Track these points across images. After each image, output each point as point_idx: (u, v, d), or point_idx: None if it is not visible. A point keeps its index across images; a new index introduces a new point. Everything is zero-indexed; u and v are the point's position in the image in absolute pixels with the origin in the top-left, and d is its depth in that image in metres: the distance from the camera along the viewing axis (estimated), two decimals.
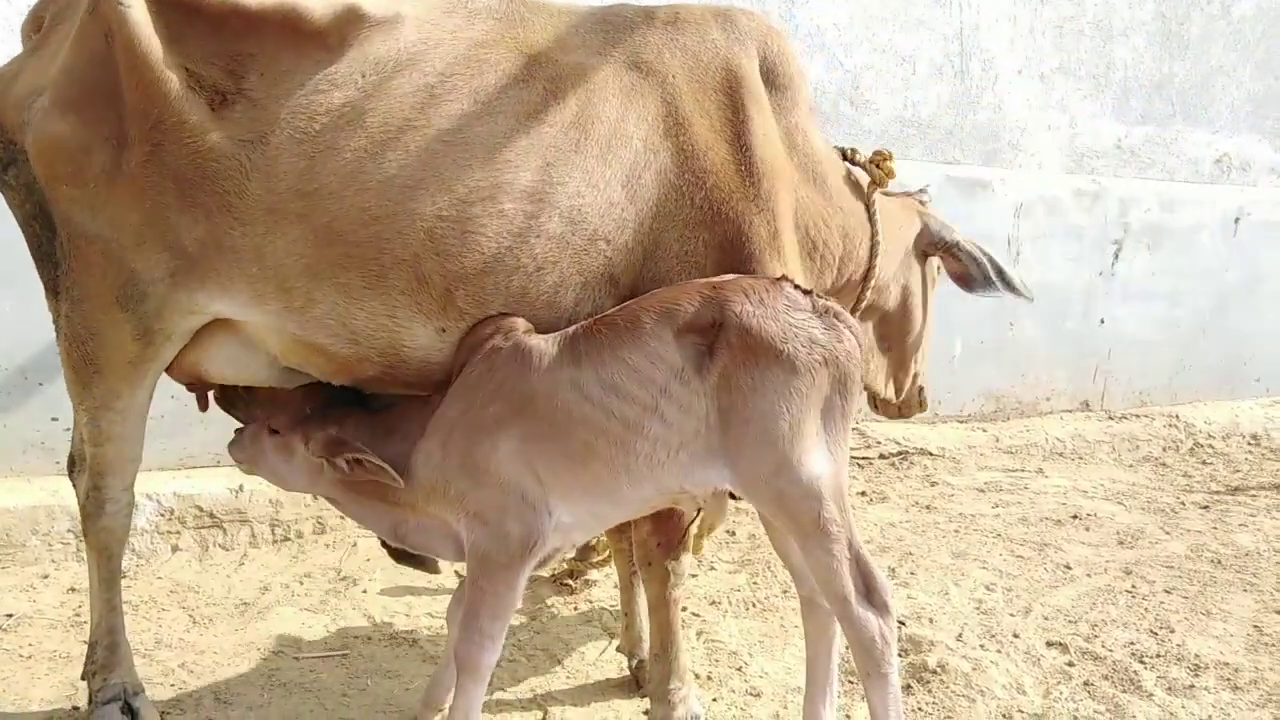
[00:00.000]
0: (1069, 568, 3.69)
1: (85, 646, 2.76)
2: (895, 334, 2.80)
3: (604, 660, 2.88)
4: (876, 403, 3.00)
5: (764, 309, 1.94)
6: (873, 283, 2.55)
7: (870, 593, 1.99)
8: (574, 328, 2.04)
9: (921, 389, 2.99)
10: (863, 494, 4.45)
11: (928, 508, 4.33)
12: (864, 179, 2.57)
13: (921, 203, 2.88)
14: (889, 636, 2.00)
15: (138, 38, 1.92)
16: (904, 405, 2.99)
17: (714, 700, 2.69)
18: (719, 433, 1.95)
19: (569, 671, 2.81)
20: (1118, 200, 5.59)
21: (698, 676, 2.80)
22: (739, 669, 2.86)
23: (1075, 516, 4.28)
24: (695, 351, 1.94)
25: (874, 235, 2.53)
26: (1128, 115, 5.65)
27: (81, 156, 1.98)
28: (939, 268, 2.89)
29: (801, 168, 2.37)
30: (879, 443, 4.83)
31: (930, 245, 2.76)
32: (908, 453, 4.86)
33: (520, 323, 2.08)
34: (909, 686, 2.79)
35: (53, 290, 2.18)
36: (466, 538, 2.05)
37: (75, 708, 2.48)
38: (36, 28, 2.18)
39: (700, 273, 2.16)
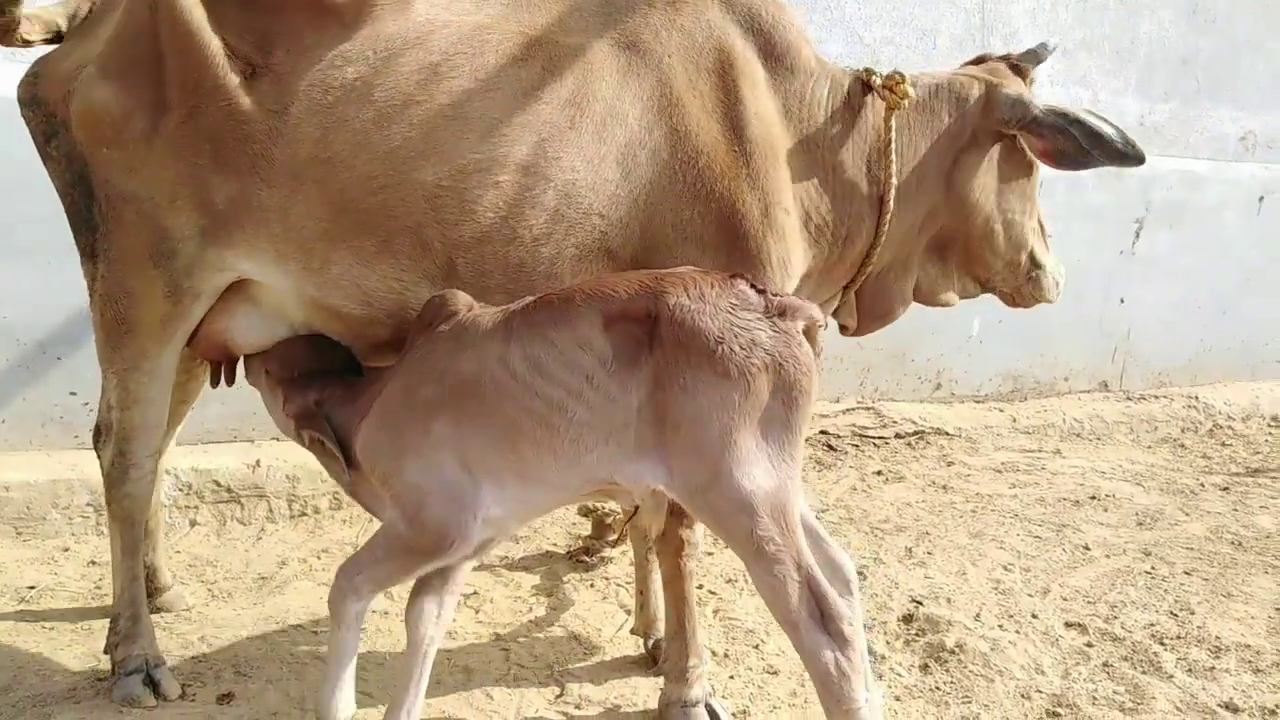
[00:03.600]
0: (1087, 548, 3.67)
1: (106, 619, 2.79)
2: (950, 236, 2.65)
3: (620, 637, 2.89)
4: (999, 294, 2.81)
5: (703, 304, 1.81)
6: (883, 236, 2.48)
7: (826, 619, 1.80)
8: (515, 304, 2.00)
9: (1035, 277, 2.75)
10: (879, 473, 4.44)
11: (944, 488, 4.31)
12: (881, 107, 2.49)
13: (1015, 69, 2.64)
14: (848, 670, 1.79)
15: (181, 9, 2.07)
16: (1016, 294, 2.79)
17: (730, 678, 2.69)
18: (653, 430, 1.83)
19: (586, 648, 2.81)
20: (1139, 178, 5.49)
21: (714, 654, 2.80)
22: (755, 647, 2.85)
23: (1094, 497, 4.26)
24: (629, 342, 1.83)
25: (888, 175, 2.44)
26: (1151, 91, 5.55)
27: (122, 121, 2.13)
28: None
29: (800, 137, 2.38)
30: (895, 422, 4.80)
31: (1002, 125, 2.52)
32: (924, 432, 4.83)
33: (463, 300, 2.06)
34: (926, 666, 2.78)
35: (89, 254, 2.28)
36: (388, 516, 2.05)
37: (99, 679, 2.50)
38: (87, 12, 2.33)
39: (698, 244, 2.21)
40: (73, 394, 3.52)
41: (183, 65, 2.08)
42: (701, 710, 2.38)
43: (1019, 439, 5.00)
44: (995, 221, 2.64)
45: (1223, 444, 5.26)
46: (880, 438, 4.74)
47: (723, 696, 2.59)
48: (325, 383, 2.20)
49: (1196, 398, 5.58)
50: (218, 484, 3.52)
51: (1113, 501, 4.22)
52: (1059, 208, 5.29)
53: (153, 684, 2.40)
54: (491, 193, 2.09)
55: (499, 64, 2.12)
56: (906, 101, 2.45)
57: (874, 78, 2.49)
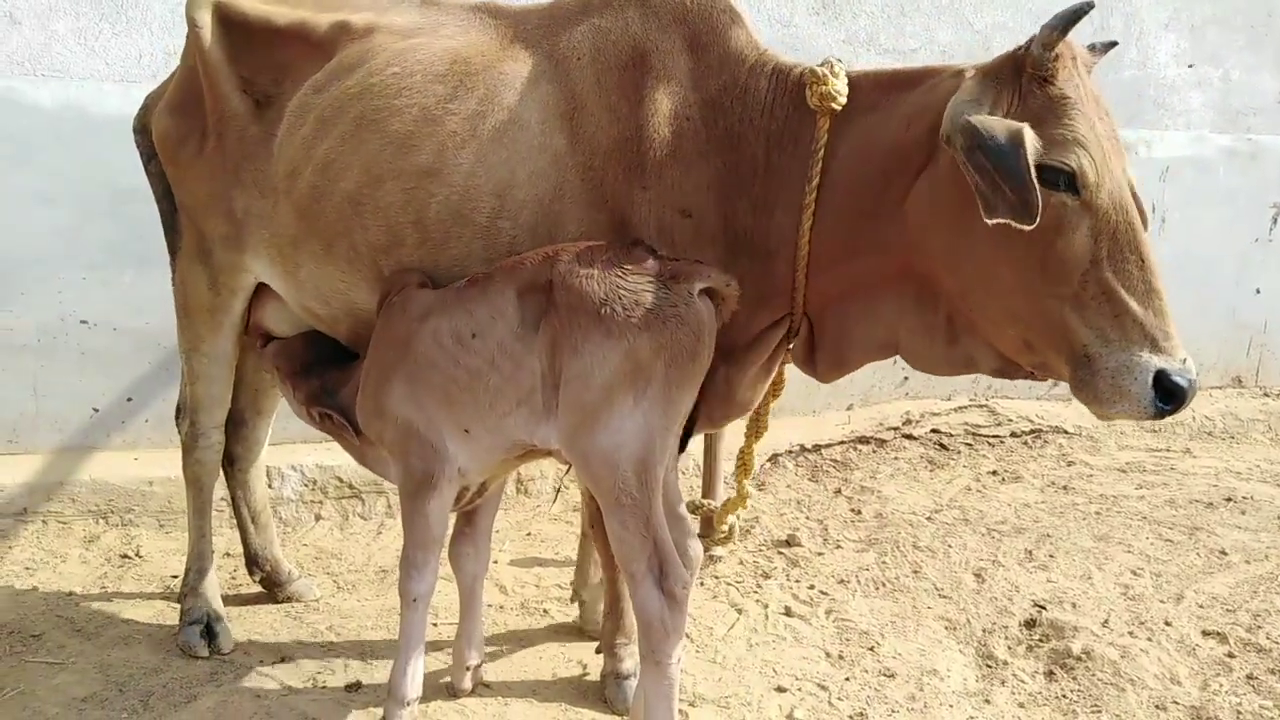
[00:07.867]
0: (1225, 553, 3.46)
1: (242, 606, 2.95)
2: (927, 281, 2.03)
3: (733, 636, 2.88)
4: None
5: (592, 269, 1.94)
6: (802, 258, 2.08)
7: (663, 577, 1.98)
8: (460, 281, 2.15)
9: (1075, 375, 1.84)
10: (994, 473, 4.29)
11: (1065, 488, 4.13)
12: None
13: (1015, 63, 1.98)
14: (671, 626, 1.97)
15: (208, 52, 2.44)
16: (1076, 392, 1.86)
17: (846, 680, 2.65)
18: (554, 393, 1.99)
19: (697, 646, 2.81)
20: (1276, 160, 5.16)
21: (828, 655, 2.76)
22: (871, 649, 2.80)
23: (1229, 499, 4.01)
24: (534, 310, 1.99)
25: (809, 188, 2.05)
26: None
27: (176, 145, 2.57)
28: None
29: (729, 133, 2.12)
30: (1010, 420, 4.63)
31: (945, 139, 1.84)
32: (1041, 431, 4.65)
33: (415, 277, 2.22)
34: (1051, 673, 2.68)
35: (172, 252, 2.74)
36: (393, 472, 2.28)
37: (238, 664, 2.64)
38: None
39: None
40: None
41: (212, 99, 2.46)
42: (634, 681, 2.46)
43: (1144, 438, 4.76)
44: (970, 275, 1.93)
45: None
46: (995, 437, 4.58)
47: (838, 698, 2.56)
48: (324, 369, 2.47)
49: None
50: (340, 480, 3.67)
51: (1251, 504, 3.97)
52: (1187, 193, 5.01)
53: (211, 635, 2.70)
54: (400, 198, 2.20)
55: (422, 81, 2.23)
56: (835, 105, 2.03)
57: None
